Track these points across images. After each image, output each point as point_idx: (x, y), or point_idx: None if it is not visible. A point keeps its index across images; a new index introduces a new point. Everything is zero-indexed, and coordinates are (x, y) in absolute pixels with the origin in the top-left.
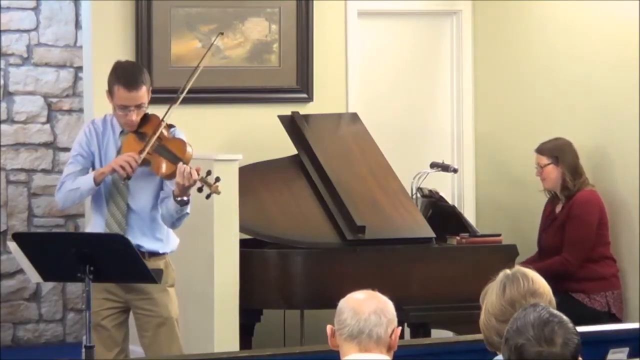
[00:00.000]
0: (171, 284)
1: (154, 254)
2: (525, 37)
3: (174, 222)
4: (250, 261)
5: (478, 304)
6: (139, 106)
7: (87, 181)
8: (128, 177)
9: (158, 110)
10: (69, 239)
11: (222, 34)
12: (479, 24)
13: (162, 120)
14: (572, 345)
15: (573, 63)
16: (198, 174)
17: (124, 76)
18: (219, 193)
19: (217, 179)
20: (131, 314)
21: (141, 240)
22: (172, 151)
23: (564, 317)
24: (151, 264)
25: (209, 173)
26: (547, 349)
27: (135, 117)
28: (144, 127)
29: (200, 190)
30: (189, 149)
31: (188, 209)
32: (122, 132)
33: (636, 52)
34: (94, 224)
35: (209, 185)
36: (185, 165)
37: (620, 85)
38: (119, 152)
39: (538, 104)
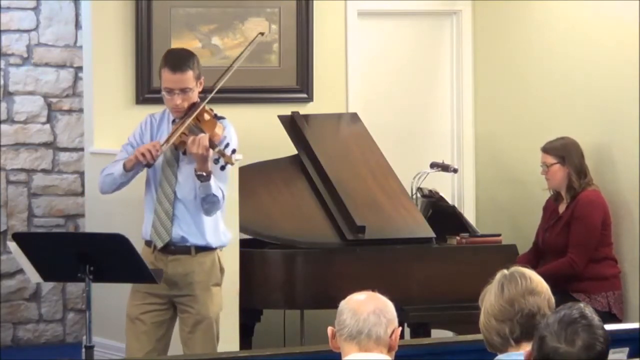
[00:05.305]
0: (215, 283)
1: (201, 249)
2: (525, 37)
3: (205, 207)
4: (251, 261)
5: (478, 304)
6: (183, 90)
7: (118, 167)
8: (148, 165)
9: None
10: (69, 239)
11: (262, 34)
12: (479, 24)
13: (201, 104)
14: (594, 350)
15: (573, 63)
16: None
17: (170, 59)
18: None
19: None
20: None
21: (187, 232)
22: (203, 129)
23: (596, 322)
24: (199, 259)
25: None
26: (565, 347)
27: (179, 101)
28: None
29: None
30: (218, 128)
31: (215, 193)
32: (174, 121)
33: (636, 52)
34: (146, 213)
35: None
36: (198, 135)
37: (620, 85)
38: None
39: (538, 103)
